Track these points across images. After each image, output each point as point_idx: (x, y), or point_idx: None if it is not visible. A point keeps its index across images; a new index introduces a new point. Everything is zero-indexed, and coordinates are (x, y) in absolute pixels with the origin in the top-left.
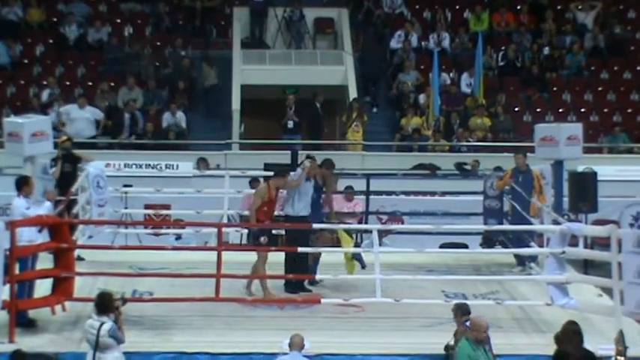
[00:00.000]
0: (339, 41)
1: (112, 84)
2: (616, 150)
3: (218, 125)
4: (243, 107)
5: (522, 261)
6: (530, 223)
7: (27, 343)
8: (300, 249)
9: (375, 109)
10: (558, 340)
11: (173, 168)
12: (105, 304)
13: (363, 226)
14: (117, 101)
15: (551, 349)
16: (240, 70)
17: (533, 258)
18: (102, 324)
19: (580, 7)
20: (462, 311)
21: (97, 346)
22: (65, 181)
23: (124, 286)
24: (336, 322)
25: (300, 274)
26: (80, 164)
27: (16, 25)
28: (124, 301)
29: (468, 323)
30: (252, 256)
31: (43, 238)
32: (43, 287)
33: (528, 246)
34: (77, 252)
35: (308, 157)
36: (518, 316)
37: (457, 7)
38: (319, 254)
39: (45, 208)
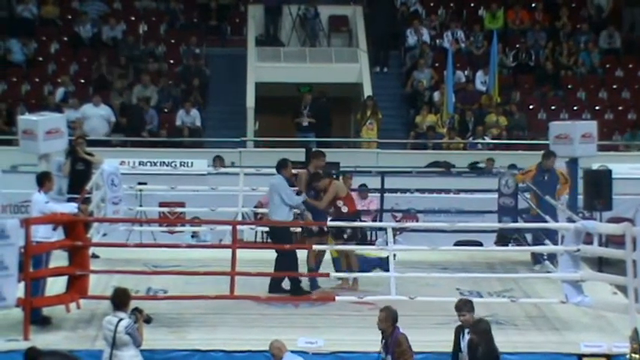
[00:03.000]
0: (354, 39)
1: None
2: (635, 147)
3: (233, 123)
4: (257, 105)
5: (538, 259)
6: (546, 222)
7: (41, 340)
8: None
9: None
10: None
11: (188, 166)
12: (120, 299)
13: (377, 224)
14: (132, 99)
15: (565, 346)
16: (254, 68)
17: (552, 256)
18: (120, 320)
19: None
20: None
21: (114, 343)
22: (79, 180)
23: (139, 283)
24: (350, 320)
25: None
26: (82, 160)
27: (31, 22)
28: (150, 319)
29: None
30: (267, 254)
31: (58, 235)
32: (57, 285)
33: (543, 244)
34: (92, 250)
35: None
36: (532, 314)
37: (472, 4)
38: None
39: (68, 207)
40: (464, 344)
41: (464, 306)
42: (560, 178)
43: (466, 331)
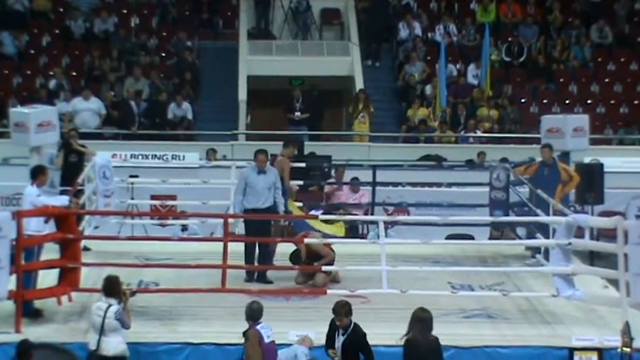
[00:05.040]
0: (346, 32)
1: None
2: (626, 141)
3: (224, 116)
4: (249, 98)
5: (534, 253)
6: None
7: (33, 333)
8: (305, 240)
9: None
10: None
11: (179, 159)
12: (112, 287)
13: (369, 218)
14: (123, 92)
15: (557, 340)
16: (246, 61)
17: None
18: (109, 306)
19: None
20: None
21: (103, 329)
22: (71, 172)
23: (130, 276)
24: None
25: (262, 265)
26: (79, 153)
27: (22, 15)
28: (133, 293)
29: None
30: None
31: (50, 228)
32: (49, 277)
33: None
34: (83, 242)
35: None
36: (524, 308)
37: None
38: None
39: (60, 200)
40: (338, 344)
41: (341, 309)
42: (563, 174)
43: (341, 331)
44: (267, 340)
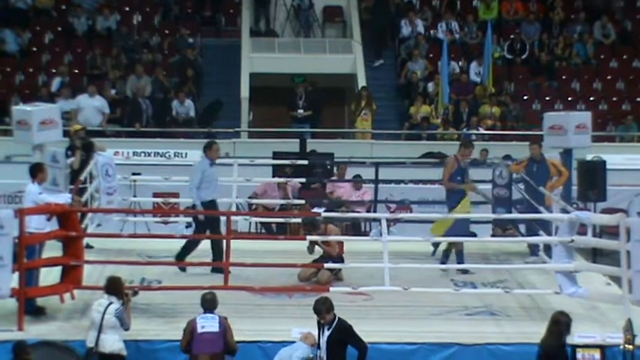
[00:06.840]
0: (348, 30)
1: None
2: (628, 138)
3: (227, 113)
4: (251, 95)
5: (534, 251)
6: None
7: (36, 330)
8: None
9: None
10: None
11: (182, 156)
12: (114, 286)
13: (371, 215)
14: (126, 90)
15: None
16: (248, 58)
17: (546, 247)
18: (110, 303)
19: None
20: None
21: (101, 326)
22: (80, 171)
23: (133, 274)
24: (344, 311)
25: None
26: (92, 152)
27: (25, 12)
28: (135, 292)
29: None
30: (260, 245)
31: (52, 226)
32: (51, 275)
33: (538, 235)
34: (86, 240)
35: None
36: (526, 305)
37: None
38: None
39: (62, 198)
40: (323, 340)
41: (322, 306)
42: (552, 169)
43: (326, 327)
44: (200, 330)
